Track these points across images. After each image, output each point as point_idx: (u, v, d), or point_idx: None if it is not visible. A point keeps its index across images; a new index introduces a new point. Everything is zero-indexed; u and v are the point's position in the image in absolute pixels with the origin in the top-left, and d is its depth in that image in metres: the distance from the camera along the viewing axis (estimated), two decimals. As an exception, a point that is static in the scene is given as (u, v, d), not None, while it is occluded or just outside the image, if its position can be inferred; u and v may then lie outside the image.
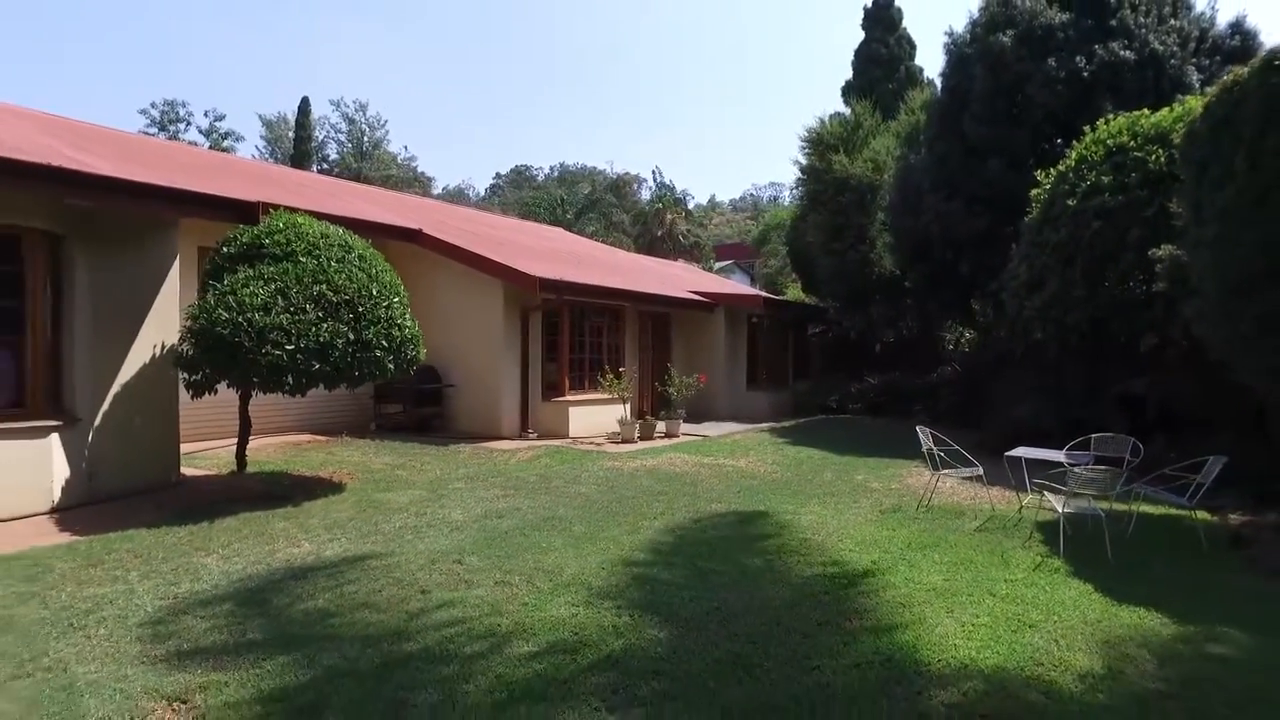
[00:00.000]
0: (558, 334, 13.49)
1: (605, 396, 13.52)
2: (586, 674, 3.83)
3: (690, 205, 65.49)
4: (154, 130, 49.33)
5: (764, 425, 15.38)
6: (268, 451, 10.12)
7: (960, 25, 15.91)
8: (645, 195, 65.28)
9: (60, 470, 7.15)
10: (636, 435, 12.98)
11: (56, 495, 7.08)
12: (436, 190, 64.56)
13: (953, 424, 13.60)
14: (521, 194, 69.58)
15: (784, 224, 26.72)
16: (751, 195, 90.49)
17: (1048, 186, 11.68)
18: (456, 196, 68.94)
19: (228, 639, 4.22)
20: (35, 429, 6.94)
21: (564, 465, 10.00)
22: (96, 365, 7.61)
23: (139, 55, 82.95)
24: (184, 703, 3.48)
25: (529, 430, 12.95)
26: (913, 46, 24.83)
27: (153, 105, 51.19)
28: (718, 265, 49.02)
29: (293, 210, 8.54)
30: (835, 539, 6.64)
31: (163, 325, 8.24)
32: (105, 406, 7.65)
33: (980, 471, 8.03)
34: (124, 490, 7.65)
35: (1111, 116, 11.48)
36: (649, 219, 52.08)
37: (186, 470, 8.73)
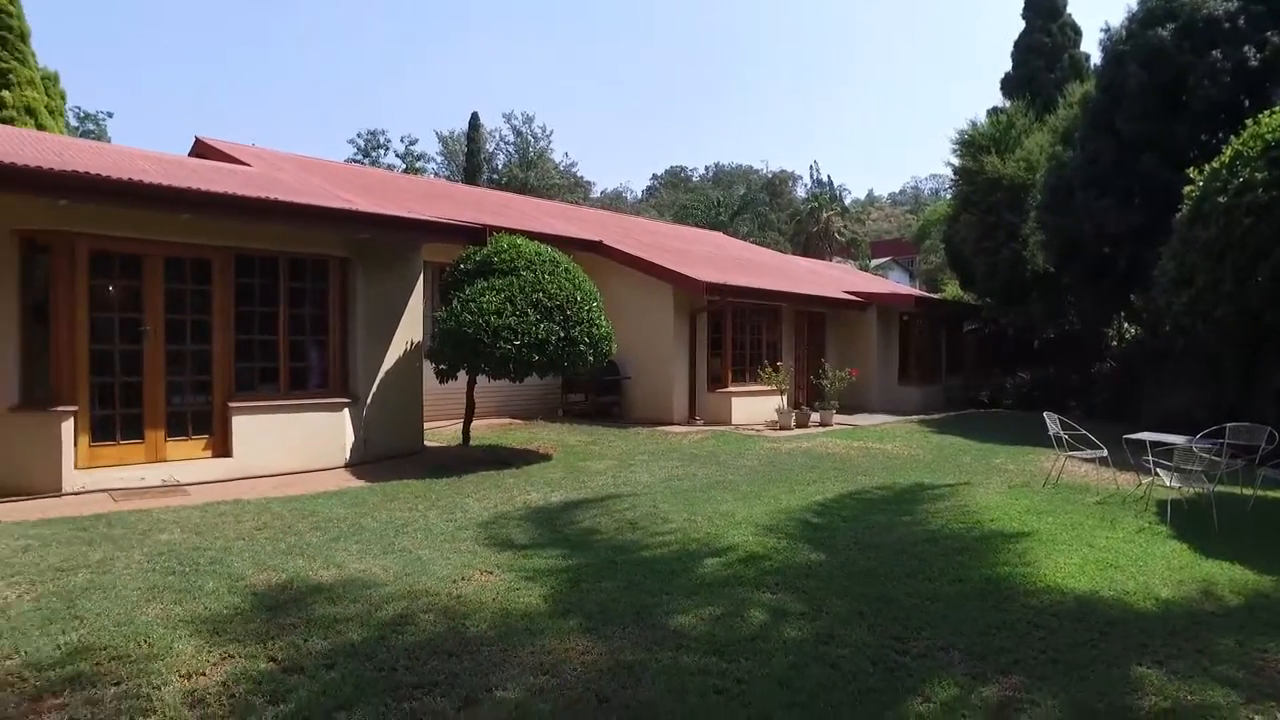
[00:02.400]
0: (721, 331, 15.10)
1: (764, 388, 14.96)
2: (758, 574, 5.38)
3: (847, 201, 65.16)
4: (360, 157, 55.33)
5: (913, 417, 16.34)
6: (481, 430, 12.29)
7: (1118, 20, 16.07)
8: (801, 192, 65.66)
9: (349, 435, 9.49)
10: (793, 423, 14.36)
11: (347, 454, 9.41)
12: (595, 194, 67.83)
13: (1107, 418, 14.05)
14: (677, 195, 71.58)
15: (942, 220, 26.97)
16: (912, 188, 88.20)
17: (1200, 184, 11.97)
18: (614, 200, 71.97)
19: (505, 542, 6.10)
20: (334, 404, 9.32)
21: (729, 445, 11.59)
22: (369, 358, 9.90)
23: (343, 90, 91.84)
24: (489, 574, 5.31)
25: (696, 417, 14.61)
26: (1077, 33, 23.83)
27: (358, 135, 57.39)
28: (875, 263, 48.98)
29: (510, 231, 10.61)
30: (963, 503, 7.83)
31: (411, 326, 10.47)
32: (374, 389, 9.93)
33: (1105, 454, 8.86)
34: (386, 454, 9.90)
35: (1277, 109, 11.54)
36: (804, 218, 52.66)
37: (426, 442, 11.01)
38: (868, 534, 6.54)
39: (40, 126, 16.57)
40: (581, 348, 9.49)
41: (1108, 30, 16.14)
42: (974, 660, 4.07)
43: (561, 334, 9.25)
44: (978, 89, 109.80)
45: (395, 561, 5.47)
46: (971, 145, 20.20)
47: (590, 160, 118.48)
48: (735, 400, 14.68)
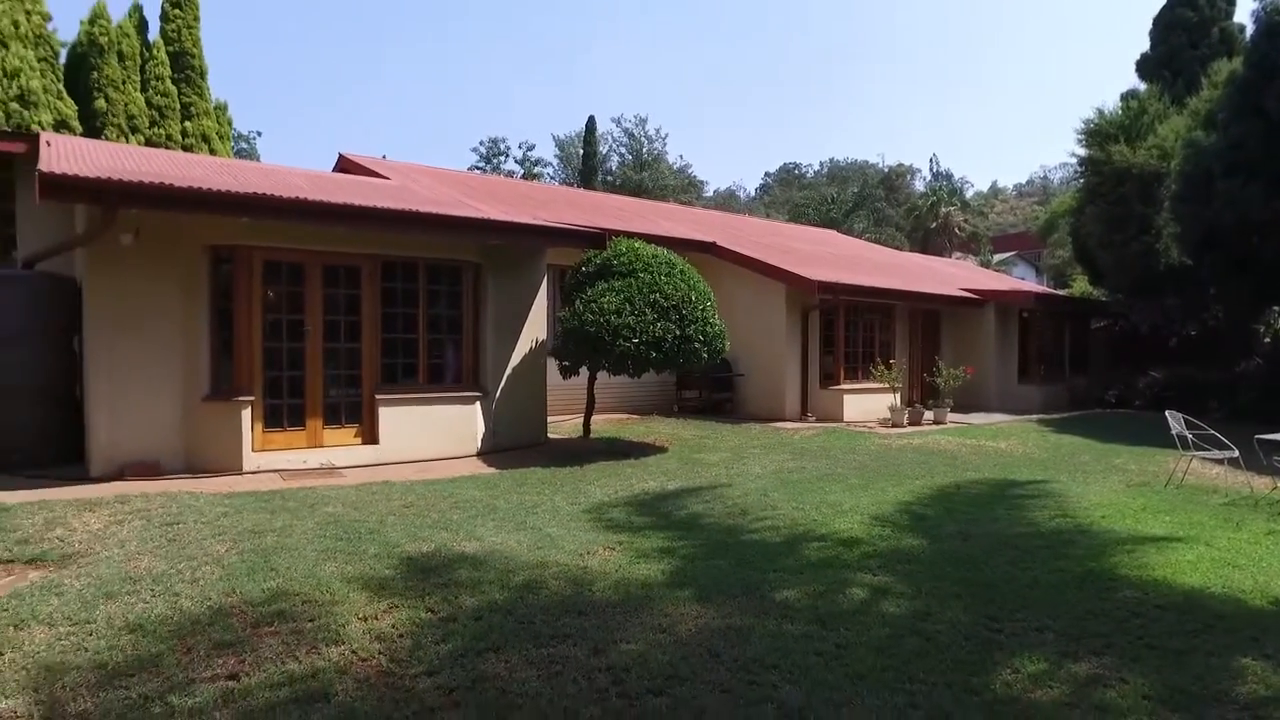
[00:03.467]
0: (834, 329, 15.27)
1: (876, 386, 15.02)
2: (860, 557, 5.71)
3: (969, 194, 62.88)
4: (482, 164, 57.87)
5: (1032, 417, 15.98)
6: (600, 424, 12.95)
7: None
8: (919, 186, 63.84)
9: (480, 426, 10.31)
10: (905, 421, 14.37)
11: (478, 443, 10.24)
12: (708, 194, 68.13)
13: (1254, 419, 13.32)
14: (790, 193, 71.00)
15: (1069, 212, 25.88)
16: (1040, 177, 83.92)
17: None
18: (727, 199, 72.08)
19: (625, 524, 6.65)
20: (468, 397, 10.16)
21: (840, 441, 11.81)
22: (497, 355, 10.70)
23: (466, 100, 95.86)
24: (611, 550, 5.86)
25: (808, 414, 14.84)
26: (1230, 3, 21.72)
27: (480, 143, 60.04)
28: (997, 258, 47.24)
29: (628, 235, 11.21)
30: (1075, 500, 7.84)
31: (536, 326, 11.20)
32: (502, 384, 10.72)
33: (1235, 454, 8.61)
34: (513, 444, 10.67)
35: None
36: (923, 213, 51.29)
37: (549, 435, 11.74)
38: (971, 525, 6.73)
39: (212, 151, 18.50)
40: (696, 345, 9.97)
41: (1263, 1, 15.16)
42: (1067, 641, 4.27)
43: (677, 332, 9.76)
44: (1111, 72, 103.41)
45: (527, 537, 6.11)
46: (1098, 134, 19.41)
47: (703, 160, 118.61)
48: (847, 397, 14.82)
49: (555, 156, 64.17)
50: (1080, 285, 27.80)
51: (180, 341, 8.48)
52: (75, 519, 6.23)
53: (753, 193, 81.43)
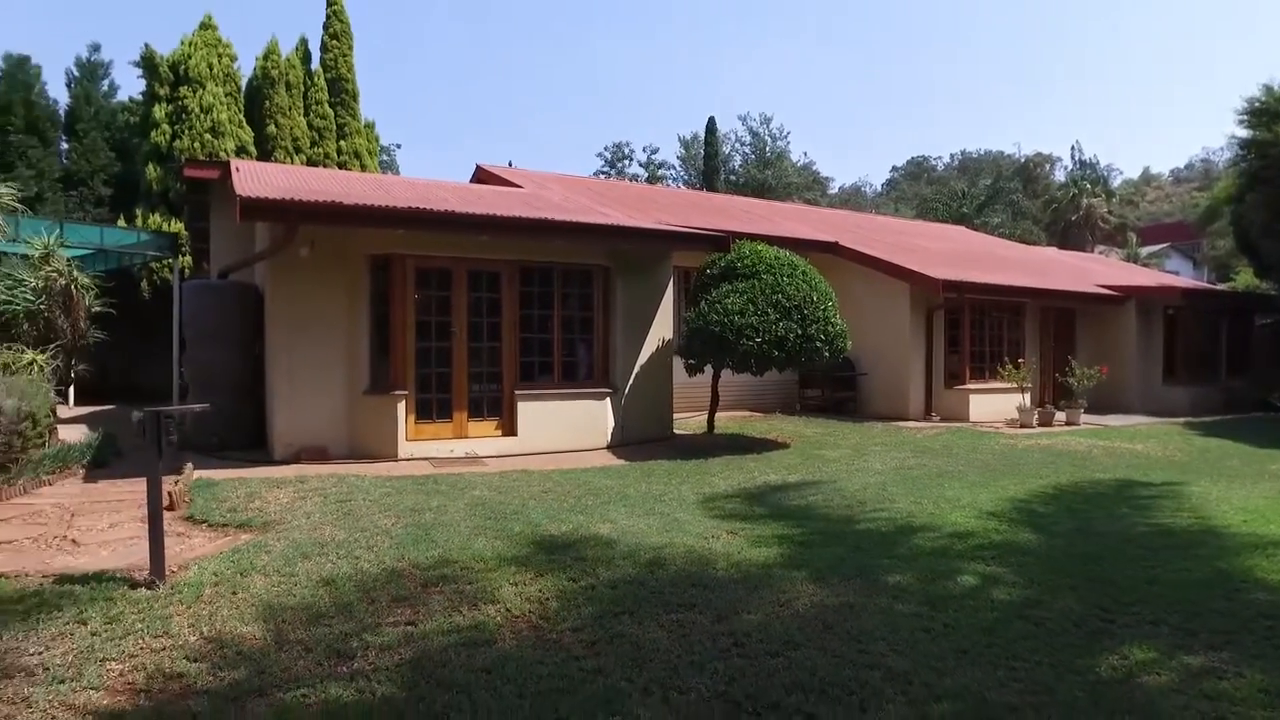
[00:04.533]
0: (960, 328, 15.06)
1: (1005, 386, 14.71)
2: (974, 549, 5.89)
3: (1116, 182, 59.14)
4: (607, 169, 59.36)
5: (1178, 420, 15.20)
6: (723, 421, 13.33)
7: None
8: (1060, 176, 60.55)
9: (610, 421, 10.94)
10: (1035, 422, 14.02)
11: (608, 437, 10.87)
12: (833, 190, 67.11)
13: None
14: (918, 188, 68.87)
15: (1229, 199, 24.10)
16: (1200, 160, 77.32)
17: None
18: (853, 195, 70.74)
19: (747, 512, 7.06)
20: (598, 393, 10.82)
21: (964, 440, 11.74)
22: (626, 353, 11.29)
23: (590, 106, 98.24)
24: (733, 534, 6.27)
25: (932, 414, 14.71)
26: None
27: (605, 148, 61.56)
28: (1147, 251, 44.35)
29: (751, 238, 11.58)
30: (1213, 504, 7.62)
31: (663, 326, 11.73)
32: (631, 381, 11.31)
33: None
34: (640, 439, 11.22)
35: None
36: (1062, 205, 48.73)
37: (675, 430, 12.25)
38: (1092, 523, 6.74)
39: (363, 166, 20.11)
40: (818, 344, 10.23)
41: None
42: (1182, 635, 4.28)
43: (799, 331, 10.05)
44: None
45: (656, 521, 6.62)
46: (1264, 113, 18.04)
47: (828, 156, 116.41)
48: (973, 397, 14.60)
49: (678, 158, 64.85)
50: (1245, 278, 25.89)
51: (344, 341, 9.52)
52: (268, 494, 7.22)
53: (879, 188, 79.47)
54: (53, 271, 10.64)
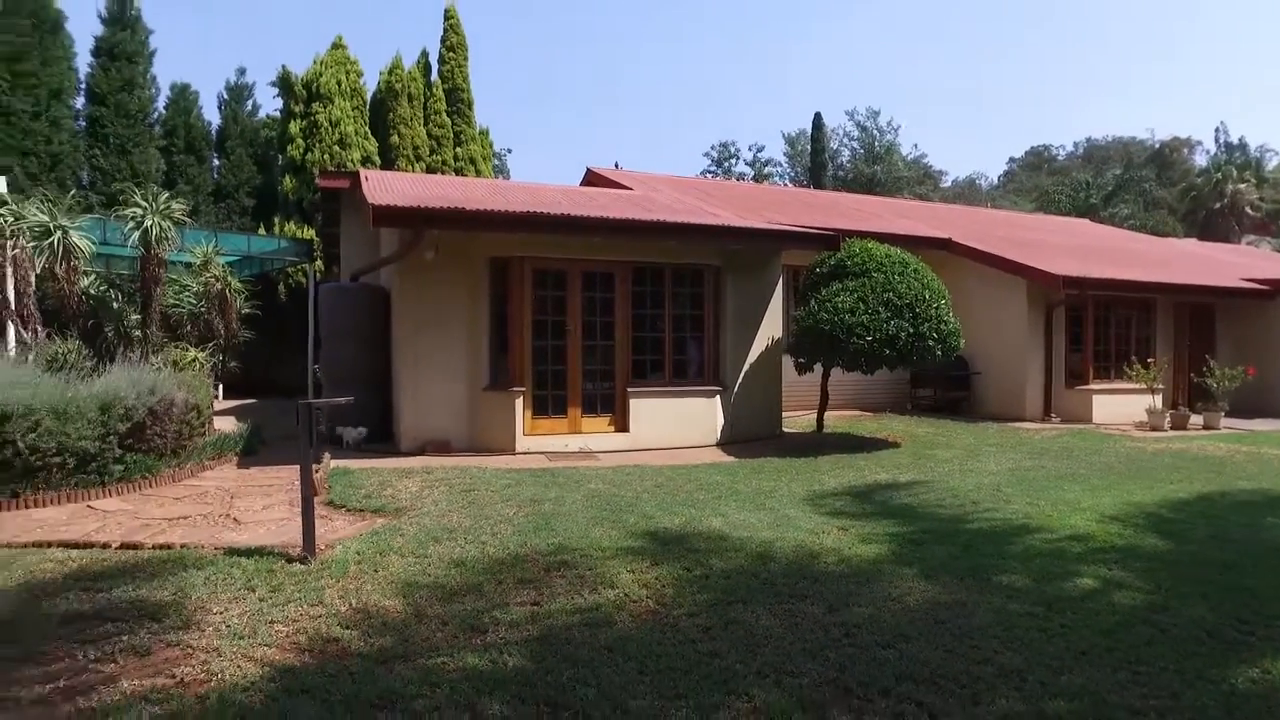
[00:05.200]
0: (1082, 326, 14.45)
1: (1132, 386, 14.01)
2: (1094, 551, 5.75)
3: (1271, 164, 54.45)
4: (714, 168, 59.49)
5: (1337, 423, 14.06)
6: (832, 420, 13.26)
7: None
8: (1200, 160, 56.43)
9: (719, 418, 11.10)
10: (1166, 424, 13.31)
11: (718, 434, 11.04)
12: (946, 184, 64.83)
13: None
14: (1038, 179, 65.65)
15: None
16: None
17: None
18: (967, 189, 68.08)
19: (856, 509, 7.10)
20: (708, 391, 11.01)
21: (1085, 442, 11.30)
22: (735, 352, 11.42)
23: (695, 106, 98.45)
24: (843, 530, 6.33)
25: (1051, 415, 14.17)
26: None
27: (711, 148, 61.70)
28: (1305, 239, 40.84)
29: (861, 235, 11.50)
30: (1369, 513, 7.11)
31: (772, 324, 11.80)
32: (739, 380, 11.43)
33: None
34: (748, 437, 11.33)
35: None
36: (1202, 192, 45.48)
37: (783, 428, 12.29)
38: (1230, 531, 6.42)
39: (478, 172, 20.97)
40: (930, 343, 10.09)
41: None
42: None
43: (910, 330, 9.94)
44: None
45: (766, 516, 6.75)
46: None
47: (940, 149, 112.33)
48: (1096, 398, 13.99)
49: (784, 154, 64.16)
50: None
51: (466, 340, 10.04)
52: (398, 483, 7.75)
53: (995, 181, 76.09)
54: (211, 277, 11.69)
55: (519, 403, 9.97)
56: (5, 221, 9.41)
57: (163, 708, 3.28)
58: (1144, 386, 13.78)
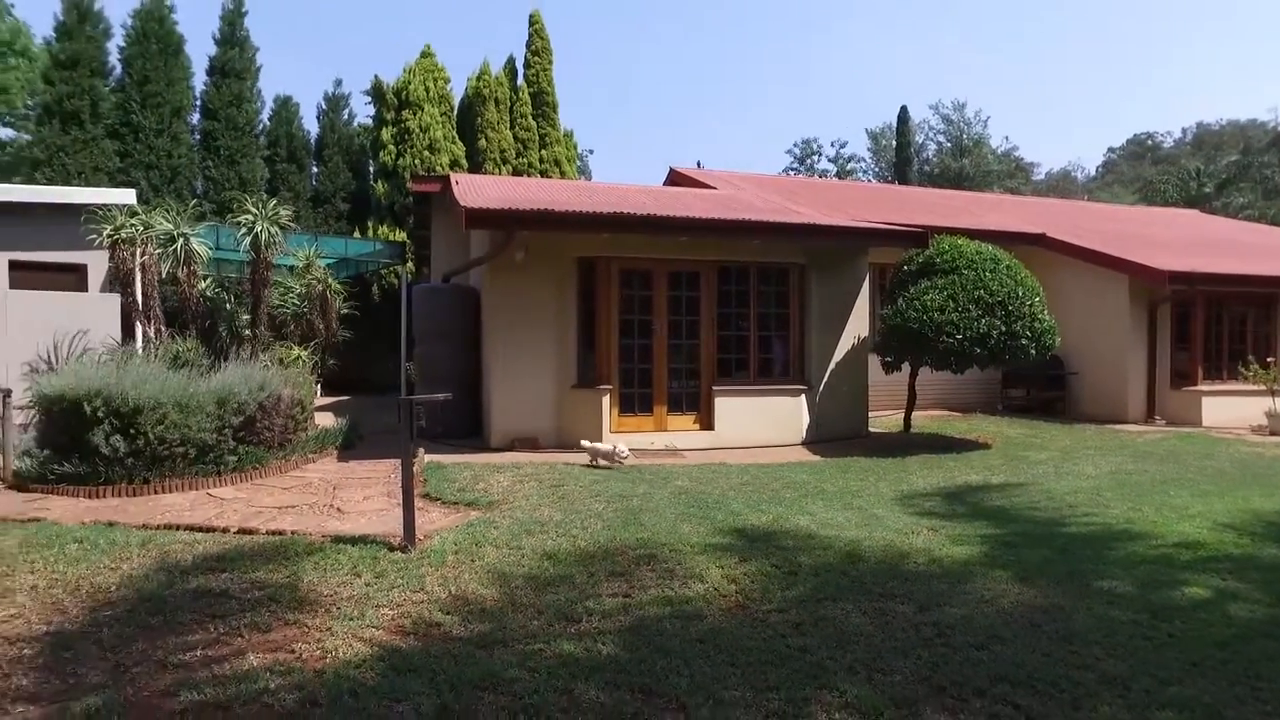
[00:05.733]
0: (1189, 324, 13.73)
1: (1248, 387, 13.25)
2: (1202, 559, 5.51)
3: None
4: (796, 165, 58.90)
5: None
6: (919, 420, 13.00)
7: None
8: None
9: (804, 417, 11.04)
10: (1287, 428, 12.54)
11: (803, 433, 10.98)
12: (1039, 176, 62.41)
13: None
14: (1141, 169, 62.47)
15: None
16: None
17: None
18: (1062, 181, 65.33)
19: (946, 510, 6.98)
20: (793, 390, 10.96)
21: (1194, 445, 10.76)
22: (820, 351, 11.33)
23: (777, 103, 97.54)
24: (934, 531, 6.24)
25: (1155, 416, 13.54)
26: None
27: (794, 145, 61.03)
28: None
29: (950, 232, 11.25)
30: None
31: (858, 323, 11.65)
32: (825, 378, 11.33)
33: None
34: (835, 435, 11.22)
35: None
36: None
37: (869, 428, 12.12)
38: (1359, 540, 6.05)
39: (562, 173, 21.34)
40: (1023, 341, 9.80)
41: None
42: None
43: (1003, 328, 9.68)
44: None
45: (854, 515, 6.71)
46: None
47: (1033, 140, 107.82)
48: (1206, 400, 13.27)
49: (868, 150, 62.96)
50: None
51: (554, 338, 10.27)
52: (490, 477, 8.00)
53: (1093, 172, 72.69)
54: (313, 279, 12.29)
55: (605, 400, 10.14)
56: (136, 231, 10.12)
57: (286, 679, 3.53)
58: (1263, 388, 13.01)
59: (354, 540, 5.73)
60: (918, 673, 3.65)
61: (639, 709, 3.31)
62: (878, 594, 4.70)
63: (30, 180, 17.35)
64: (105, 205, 10.71)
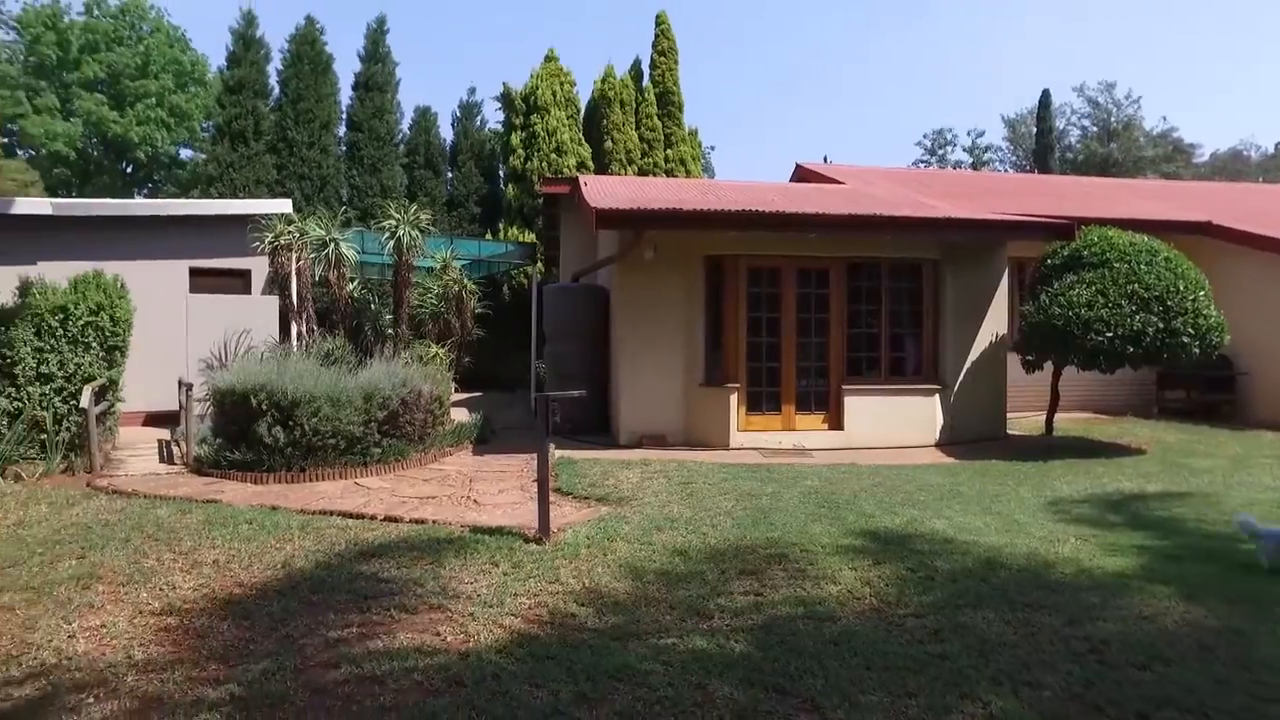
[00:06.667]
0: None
1: None
2: None
3: None
4: (927, 157, 56.66)
5: None
6: (1062, 423, 12.22)
7: None
8: None
9: (938, 418, 10.64)
10: None
11: (936, 434, 10.58)
12: (1201, 158, 57.35)
13: None
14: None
15: None
16: None
17: None
18: (1230, 162, 59.76)
19: (1097, 518, 6.56)
20: (927, 390, 10.58)
21: (1390, 456, 9.65)
22: (955, 349, 10.88)
23: (905, 93, 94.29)
24: (1083, 541, 5.87)
25: (1342, 422, 12.23)
26: None
27: (924, 136, 58.71)
28: None
29: (1099, 222, 10.56)
30: None
31: (995, 320, 11.10)
32: (960, 378, 10.86)
33: None
34: (970, 437, 10.73)
35: None
36: None
37: (1008, 430, 11.53)
38: None
39: (688, 172, 21.41)
40: (1184, 339, 9.09)
41: None
42: None
43: (1160, 325, 9.01)
44: None
45: (994, 520, 6.42)
46: None
47: (1194, 120, 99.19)
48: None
49: (1004, 139, 59.74)
50: None
51: (681, 336, 10.33)
52: (619, 473, 8.14)
53: (1269, 150, 66.07)
54: (450, 280, 12.89)
55: (733, 399, 10.11)
56: (293, 237, 10.92)
57: (432, 659, 3.73)
58: None
59: (491, 531, 5.97)
60: (1069, 689, 3.47)
61: (773, 708, 3.30)
62: (1021, 603, 4.48)
63: (205, 195, 19.03)
64: (266, 215, 11.61)
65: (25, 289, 9.04)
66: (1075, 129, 56.19)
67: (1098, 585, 4.83)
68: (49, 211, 11.86)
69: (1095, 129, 55.08)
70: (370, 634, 4.06)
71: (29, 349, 8.50)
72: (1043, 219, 11.15)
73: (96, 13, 36.29)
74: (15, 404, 8.37)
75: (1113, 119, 54.36)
